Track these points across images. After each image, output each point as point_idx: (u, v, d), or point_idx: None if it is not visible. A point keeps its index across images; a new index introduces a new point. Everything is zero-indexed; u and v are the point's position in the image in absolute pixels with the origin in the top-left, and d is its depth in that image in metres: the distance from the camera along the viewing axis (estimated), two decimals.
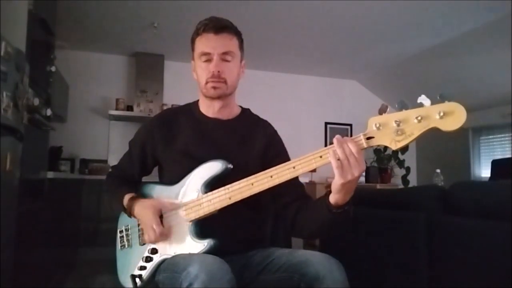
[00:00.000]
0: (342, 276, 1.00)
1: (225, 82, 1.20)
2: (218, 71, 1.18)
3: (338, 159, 0.91)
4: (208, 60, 1.19)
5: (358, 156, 0.91)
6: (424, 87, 4.83)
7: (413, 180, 5.68)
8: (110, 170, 1.43)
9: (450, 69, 4.58)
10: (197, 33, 1.22)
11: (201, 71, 1.21)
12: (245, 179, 1.06)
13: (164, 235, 1.13)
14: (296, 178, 1.18)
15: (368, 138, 0.91)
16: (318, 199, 1.08)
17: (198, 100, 1.33)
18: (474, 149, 5.17)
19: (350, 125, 5.69)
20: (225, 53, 1.19)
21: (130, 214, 1.22)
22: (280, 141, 1.32)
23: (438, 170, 3.33)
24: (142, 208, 1.17)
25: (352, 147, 0.91)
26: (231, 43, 1.21)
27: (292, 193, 1.19)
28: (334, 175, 0.93)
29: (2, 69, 1.55)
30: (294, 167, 1.00)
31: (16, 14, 1.93)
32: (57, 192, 2.88)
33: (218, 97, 1.23)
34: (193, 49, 1.24)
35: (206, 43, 1.19)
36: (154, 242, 1.15)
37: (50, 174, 2.62)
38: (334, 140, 0.92)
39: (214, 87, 1.20)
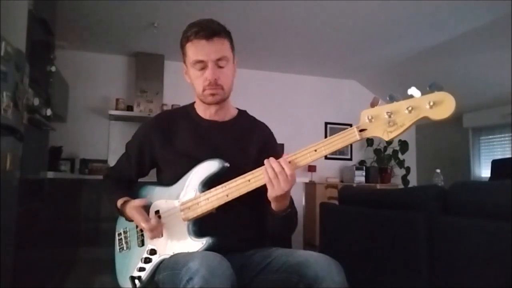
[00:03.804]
0: (341, 277, 1.00)
1: (222, 88, 1.20)
2: (215, 79, 1.17)
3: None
4: (203, 68, 1.18)
5: (289, 173, 0.99)
6: (424, 87, 4.81)
7: (413, 180, 5.69)
8: (106, 171, 1.42)
9: (450, 69, 4.58)
10: (187, 39, 1.18)
11: (197, 78, 1.20)
12: (241, 176, 1.07)
13: (156, 229, 1.13)
14: None
15: (361, 131, 0.93)
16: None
17: (194, 102, 1.33)
18: (474, 149, 5.17)
19: (350, 125, 5.60)
20: (219, 59, 1.17)
21: (126, 218, 1.23)
22: (275, 144, 1.34)
23: (438, 170, 3.33)
24: (129, 210, 1.18)
25: (283, 167, 1.00)
26: (223, 47, 1.18)
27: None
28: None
29: (2, 69, 1.55)
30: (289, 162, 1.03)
31: (16, 14, 1.93)
32: (57, 192, 2.88)
33: (216, 103, 1.24)
34: (184, 54, 1.22)
35: (199, 50, 1.16)
36: (151, 238, 1.16)
37: (50, 174, 2.61)
38: (265, 161, 1.02)
39: (212, 94, 1.20)
